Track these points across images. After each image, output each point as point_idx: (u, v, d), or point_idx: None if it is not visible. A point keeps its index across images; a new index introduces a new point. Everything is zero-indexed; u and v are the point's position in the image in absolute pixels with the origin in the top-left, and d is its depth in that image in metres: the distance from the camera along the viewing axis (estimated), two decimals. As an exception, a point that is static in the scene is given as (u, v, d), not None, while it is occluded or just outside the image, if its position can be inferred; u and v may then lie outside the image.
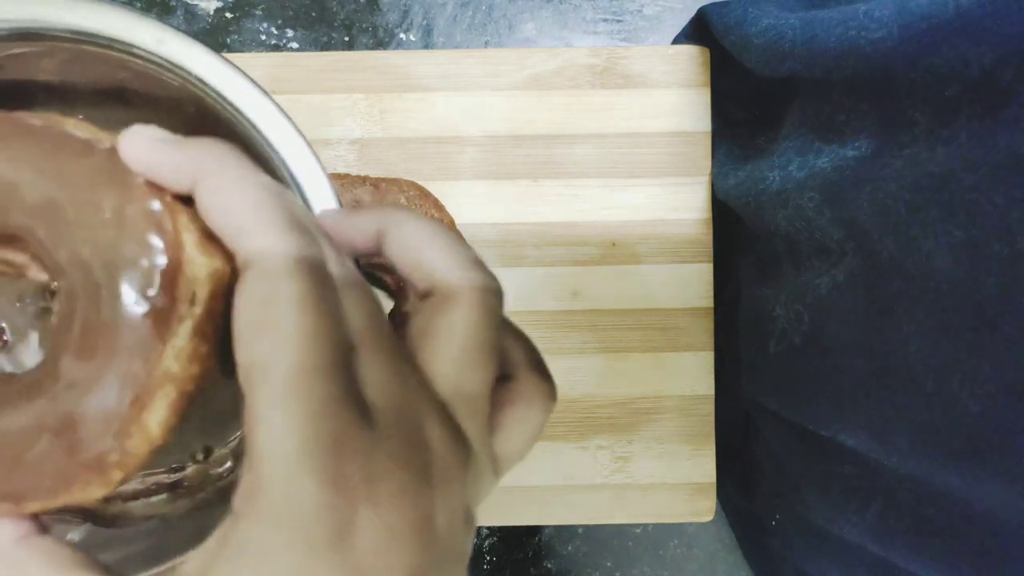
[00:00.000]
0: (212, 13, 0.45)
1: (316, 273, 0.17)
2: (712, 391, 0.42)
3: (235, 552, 0.16)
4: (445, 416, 0.18)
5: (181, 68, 0.22)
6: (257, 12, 0.45)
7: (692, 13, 0.43)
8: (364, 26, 0.45)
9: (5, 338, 0.21)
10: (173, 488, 0.27)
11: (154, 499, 0.27)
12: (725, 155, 0.42)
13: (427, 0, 0.46)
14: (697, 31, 0.42)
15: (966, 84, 0.25)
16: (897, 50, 0.28)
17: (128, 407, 0.17)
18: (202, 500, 0.26)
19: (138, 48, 0.22)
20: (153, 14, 0.45)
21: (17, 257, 0.20)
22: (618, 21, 0.46)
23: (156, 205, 0.17)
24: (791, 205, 0.34)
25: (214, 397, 0.19)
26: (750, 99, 0.42)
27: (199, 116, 0.24)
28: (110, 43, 0.22)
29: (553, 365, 0.44)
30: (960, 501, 0.27)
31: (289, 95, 0.42)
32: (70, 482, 0.17)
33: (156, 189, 0.18)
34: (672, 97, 0.42)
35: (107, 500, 0.26)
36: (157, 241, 0.17)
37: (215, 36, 0.45)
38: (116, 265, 0.17)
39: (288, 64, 0.42)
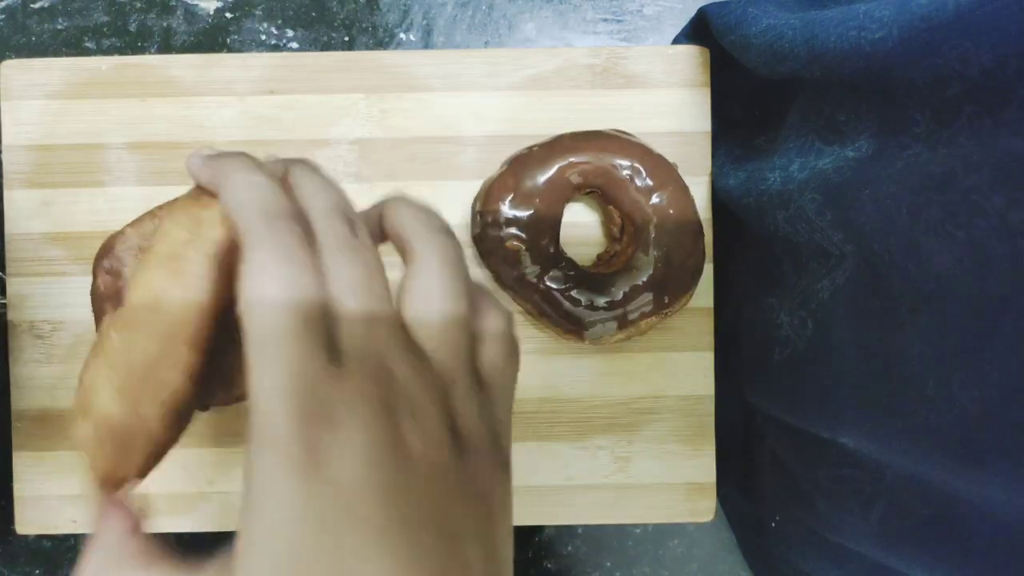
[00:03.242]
0: (212, 13, 0.45)
1: (289, 250, 0.20)
2: (712, 391, 0.42)
3: (245, 466, 0.20)
4: (411, 352, 0.21)
5: None
6: (257, 12, 0.45)
7: (692, 13, 0.43)
8: (364, 26, 0.45)
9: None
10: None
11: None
12: (725, 155, 0.42)
13: (427, 0, 0.46)
14: (697, 31, 0.42)
15: (966, 84, 0.25)
16: (897, 50, 0.27)
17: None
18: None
19: None
20: (153, 14, 0.45)
21: None
22: (618, 21, 0.46)
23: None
24: (792, 206, 0.34)
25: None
26: (750, 99, 0.42)
27: None
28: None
29: (553, 365, 0.44)
30: (962, 503, 0.27)
31: (289, 95, 0.42)
32: None
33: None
34: (672, 97, 0.42)
35: None
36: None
37: (215, 36, 0.45)
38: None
39: (288, 64, 0.42)
